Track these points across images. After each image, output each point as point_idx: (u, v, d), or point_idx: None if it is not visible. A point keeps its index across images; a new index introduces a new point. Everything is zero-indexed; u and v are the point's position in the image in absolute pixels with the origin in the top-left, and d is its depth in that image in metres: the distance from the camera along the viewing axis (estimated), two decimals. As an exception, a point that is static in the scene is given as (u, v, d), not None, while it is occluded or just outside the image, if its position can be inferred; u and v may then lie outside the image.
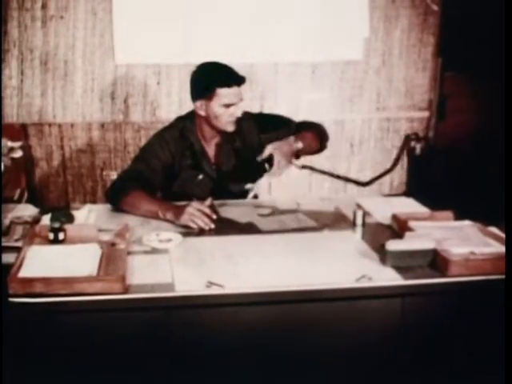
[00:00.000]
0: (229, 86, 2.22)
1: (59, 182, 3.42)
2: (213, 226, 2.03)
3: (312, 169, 2.37)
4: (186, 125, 2.38)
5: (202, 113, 2.30)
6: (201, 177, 2.38)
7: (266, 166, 2.22)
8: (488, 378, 1.74)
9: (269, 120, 2.50)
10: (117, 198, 2.21)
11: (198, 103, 2.29)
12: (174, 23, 3.24)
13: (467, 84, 3.34)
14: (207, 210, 2.06)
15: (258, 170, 2.27)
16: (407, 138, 2.73)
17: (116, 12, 3.19)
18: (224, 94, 2.22)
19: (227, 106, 2.24)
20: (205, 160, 2.39)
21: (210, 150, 2.40)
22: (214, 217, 2.06)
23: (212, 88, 2.23)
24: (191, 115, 2.39)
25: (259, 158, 2.21)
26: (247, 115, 2.39)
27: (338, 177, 2.37)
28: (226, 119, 2.28)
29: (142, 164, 2.30)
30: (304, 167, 2.32)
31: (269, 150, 2.19)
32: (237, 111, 2.28)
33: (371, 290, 1.65)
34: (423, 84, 3.59)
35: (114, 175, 3.36)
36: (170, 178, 2.36)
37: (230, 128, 2.31)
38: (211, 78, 2.26)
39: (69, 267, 1.60)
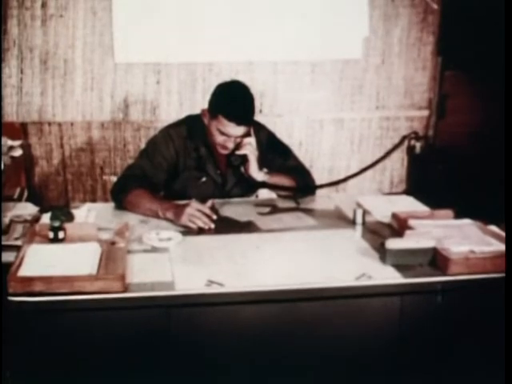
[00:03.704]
0: (229, 119, 2.19)
1: (59, 180, 3.42)
2: (212, 226, 2.02)
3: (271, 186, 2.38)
4: (195, 125, 2.35)
5: (205, 120, 2.30)
6: (204, 179, 2.37)
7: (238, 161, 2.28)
8: (488, 377, 1.74)
9: (278, 147, 2.50)
10: (119, 197, 2.22)
11: (205, 111, 2.30)
12: (174, 22, 3.24)
13: (467, 83, 3.33)
14: (207, 210, 2.05)
15: (262, 183, 2.32)
16: (403, 139, 2.71)
17: (115, 11, 3.19)
18: (223, 122, 2.20)
19: (222, 133, 2.23)
20: (211, 163, 2.37)
21: (219, 155, 2.35)
22: (214, 217, 2.05)
23: (216, 111, 2.22)
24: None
25: (233, 157, 2.27)
26: (264, 131, 2.45)
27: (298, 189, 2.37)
28: (218, 142, 2.27)
29: (146, 160, 2.31)
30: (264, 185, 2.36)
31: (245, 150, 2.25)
32: (228, 143, 2.26)
33: (371, 289, 1.65)
34: (423, 83, 3.59)
35: (113, 179, 3.36)
36: (173, 176, 2.35)
37: (221, 151, 2.30)
38: (220, 102, 2.24)
39: (69, 266, 1.60)
